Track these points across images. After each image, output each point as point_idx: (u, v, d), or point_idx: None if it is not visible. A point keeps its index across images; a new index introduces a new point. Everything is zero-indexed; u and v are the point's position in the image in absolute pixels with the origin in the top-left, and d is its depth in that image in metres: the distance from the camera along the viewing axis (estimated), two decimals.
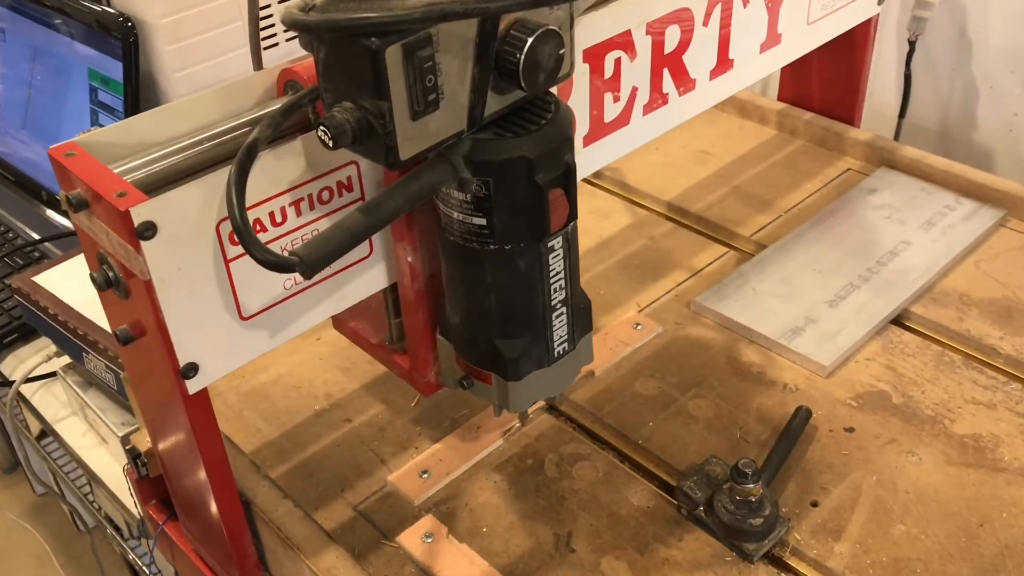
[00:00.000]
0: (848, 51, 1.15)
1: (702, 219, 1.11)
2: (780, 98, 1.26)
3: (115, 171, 0.63)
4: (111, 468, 1.06)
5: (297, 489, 0.81)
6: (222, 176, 0.62)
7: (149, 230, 0.60)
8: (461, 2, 0.52)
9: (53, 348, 1.14)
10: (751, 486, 0.74)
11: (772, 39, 0.98)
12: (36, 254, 1.31)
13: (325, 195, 0.68)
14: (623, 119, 0.87)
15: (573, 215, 0.66)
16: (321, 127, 0.56)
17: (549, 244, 0.65)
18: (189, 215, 0.62)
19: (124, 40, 1.25)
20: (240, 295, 0.67)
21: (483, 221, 0.63)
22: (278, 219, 0.67)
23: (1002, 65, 1.25)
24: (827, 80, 1.20)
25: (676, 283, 1.02)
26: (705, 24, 0.89)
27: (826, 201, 1.12)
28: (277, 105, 0.69)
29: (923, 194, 1.10)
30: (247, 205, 0.63)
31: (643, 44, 0.84)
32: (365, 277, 0.74)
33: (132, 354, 0.73)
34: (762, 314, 0.95)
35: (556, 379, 0.72)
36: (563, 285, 0.68)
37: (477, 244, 0.65)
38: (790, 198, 1.13)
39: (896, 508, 0.77)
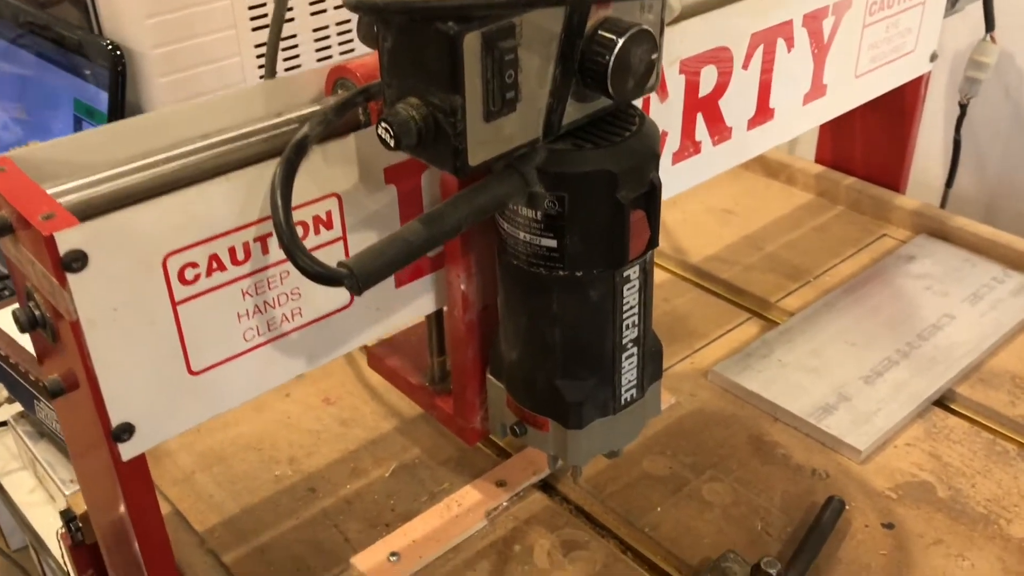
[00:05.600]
0: (897, 111, 1.06)
1: (728, 285, 1.00)
2: (818, 160, 1.17)
3: (49, 191, 0.54)
4: (56, 531, 0.96)
5: (247, 570, 0.70)
6: (174, 200, 0.53)
7: (78, 261, 0.50)
8: None
9: (4, 394, 1.04)
10: None
11: (817, 90, 0.89)
12: (7, 292, 1.22)
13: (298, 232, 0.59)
14: None
15: (654, 242, 0.59)
16: (383, 124, 0.49)
17: (625, 273, 0.58)
18: (130, 245, 0.53)
19: (111, 69, 1.18)
20: (190, 345, 0.57)
21: (553, 243, 0.56)
22: (239, 256, 0.57)
23: None
24: (871, 142, 1.10)
25: (692, 349, 0.92)
26: (745, 67, 0.80)
27: (860, 268, 1.02)
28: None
29: (967, 265, 1.00)
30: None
31: (676, 84, 0.75)
32: (343, 329, 0.64)
33: (64, 409, 0.63)
34: (789, 389, 0.84)
35: (620, 430, 0.64)
36: (636, 322, 0.61)
37: (544, 269, 0.57)
38: (823, 266, 1.03)
39: None
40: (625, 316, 0.61)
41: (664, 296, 0.99)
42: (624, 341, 0.61)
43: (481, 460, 0.79)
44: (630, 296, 0.60)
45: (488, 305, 0.67)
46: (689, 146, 0.80)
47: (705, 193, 1.16)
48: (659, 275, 1.03)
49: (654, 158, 0.58)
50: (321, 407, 0.85)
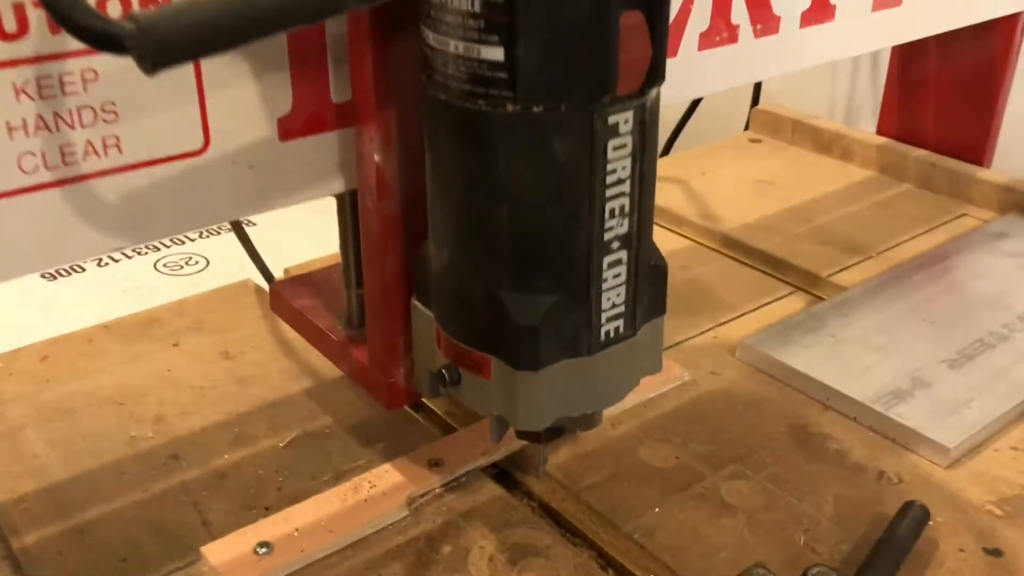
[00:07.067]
0: (983, 66, 0.86)
1: (766, 256, 0.79)
2: (880, 131, 0.96)
3: None
4: None
5: (52, 554, 0.49)
6: None
7: None
8: None
9: None
10: None
11: None
12: None
13: None
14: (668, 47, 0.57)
15: (658, 71, 0.39)
16: None
17: (611, 119, 0.38)
18: None
19: None
20: None
21: (499, 53, 0.37)
22: (8, 26, 0.37)
23: None
24: (949, 108, 0.89)
25: (717, 322, 0.70)
26: None
27: (935, 246, 0.80)
28: None
29: None
30: None
31: None
32: (192, 189, 0.44)
33: None
34: (845, 368, 0.62)
35: (598, 383, 0.43)
36: (626, 208, 0.40)
37: (485, 103, 0.38)
38: (889, 242, 0.81)
39: None
40: (609, 192, 0.40)
41: (681, 263, 0.78)
42: (607, 235, 0.41)
43: (417, 435, 0.58)
44: (618, 160, 0.40)
45: (416, 198, 0.46)
46: (722, 28, 0.60)
47: (736, 163, 0.95)
48: (679, 242, 0.82)
49: None
50: (216, 361, 0.64)
